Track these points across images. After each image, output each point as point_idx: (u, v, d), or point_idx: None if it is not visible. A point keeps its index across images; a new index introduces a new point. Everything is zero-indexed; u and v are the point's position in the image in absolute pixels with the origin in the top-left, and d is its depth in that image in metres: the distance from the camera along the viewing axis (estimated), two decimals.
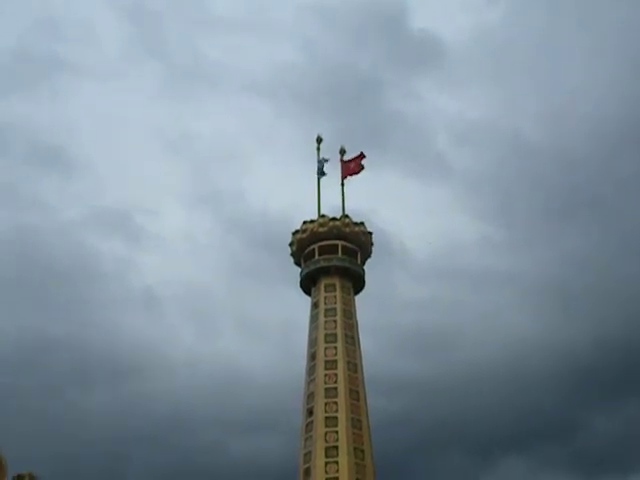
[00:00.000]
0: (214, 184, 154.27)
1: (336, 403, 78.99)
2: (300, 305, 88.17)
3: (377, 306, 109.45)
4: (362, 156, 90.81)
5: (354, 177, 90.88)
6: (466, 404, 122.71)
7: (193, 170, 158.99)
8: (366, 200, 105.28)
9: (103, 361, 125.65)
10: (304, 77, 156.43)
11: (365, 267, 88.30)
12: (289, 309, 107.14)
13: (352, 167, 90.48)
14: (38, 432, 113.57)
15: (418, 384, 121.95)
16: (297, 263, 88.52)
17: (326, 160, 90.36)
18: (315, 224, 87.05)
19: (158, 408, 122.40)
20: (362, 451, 77.94)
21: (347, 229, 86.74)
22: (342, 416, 78.25)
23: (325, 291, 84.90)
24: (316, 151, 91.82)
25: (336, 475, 75.74)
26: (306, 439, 78.85)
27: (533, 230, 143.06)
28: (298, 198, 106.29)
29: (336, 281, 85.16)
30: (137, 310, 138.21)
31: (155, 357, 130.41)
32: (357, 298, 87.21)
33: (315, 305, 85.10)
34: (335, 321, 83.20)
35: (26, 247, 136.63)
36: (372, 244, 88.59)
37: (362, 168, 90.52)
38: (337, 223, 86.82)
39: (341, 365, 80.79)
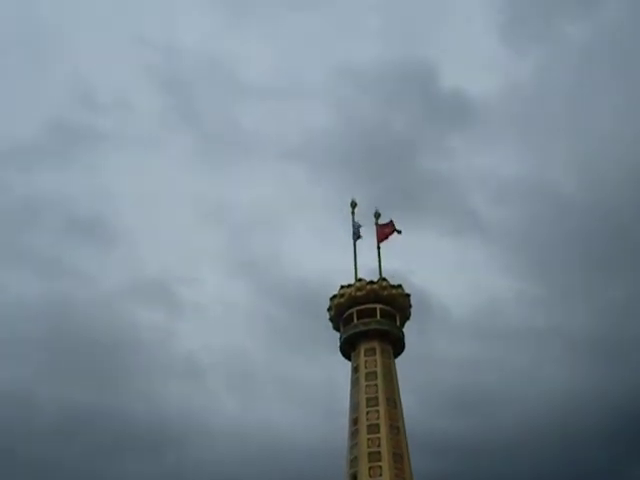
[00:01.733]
0: (251, 250, 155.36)
1: (380, 467, 78.75)
2: (341, 369, 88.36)
3: (418, 367, 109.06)
4: (392, 226, 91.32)
5: (390, 238, 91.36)
6: (511, 460, 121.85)
7: (230, 237, 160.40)
8: (403, 261, 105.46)
9: (145, 429, 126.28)
10: (337, 140, 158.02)
11: (404, 329, 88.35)
12: (330, 374, 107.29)
13: (387, 231, 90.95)
14: None
15: (462, 444, 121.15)
16: (336, 328, 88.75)
17: (360, 226, 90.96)
18: (352, 288, 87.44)
19: (201, 475, 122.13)
20: None
21: (385, 292, 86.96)
22: None
23: (365, 355, 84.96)
24: (351, 215, 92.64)
25: None
26: None
27: (571, 283, 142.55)
28: (335, 262, 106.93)
29: (375, 345, 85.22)
30: (178, 378, 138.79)
31: (198, 424, 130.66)
32: (398, 359, 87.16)
33: (355, 369, 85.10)
34: (376, 385, 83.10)
35: (67, 318, 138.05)
36: (410, 306, 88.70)
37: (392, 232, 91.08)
38: (374, 287, 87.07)
39: (384, 429, 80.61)
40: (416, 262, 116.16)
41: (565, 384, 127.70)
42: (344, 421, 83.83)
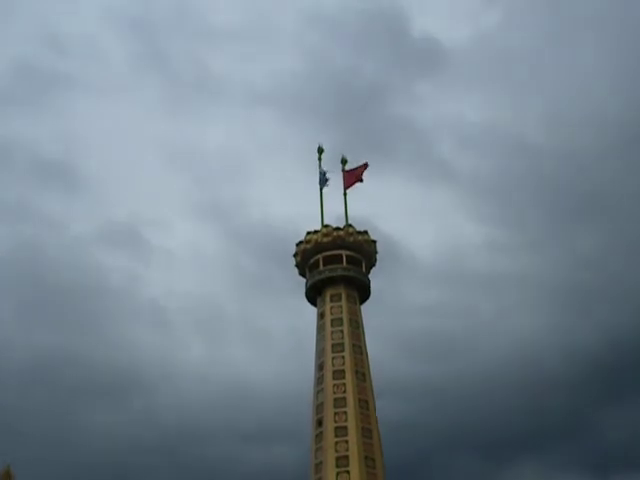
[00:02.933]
0: (219, 196, 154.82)
1: (345, 413, 78.97)
2: (308, 315, 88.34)
3: (385, 313, 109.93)
4: (365, 167, 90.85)
5: (357, 184, 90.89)
6: (478, 407, 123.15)
7: (198, 182, 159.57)
8: (371, 206, 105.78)
9: (112, 376, 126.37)
10: (306, 86, 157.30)
11: (371, 275, 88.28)
12: (297, 319, 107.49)
13: (355, 176, 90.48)
14: (48, 447, 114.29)
15: (429, 389, 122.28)
16: (302, 274, 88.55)
17: (327, 176, 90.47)
18: (318, 234, 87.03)
19: (168, 420, 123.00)
20: (373, 460, 77.88)
21: (351, 238, 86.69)
22: (352, 425, 78.28)
23: (331, 301, 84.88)
24: (318, 161, 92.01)
25: None
26: (316, 450, 78.83)
27: (539, 232, 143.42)
28: (302, 208, 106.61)
29: (341, 291, 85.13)
30: (145, 323, 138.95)
31: (164, 370, 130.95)
32: (364, 306, 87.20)
33: (321, 315, 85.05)
34: (342, 331, 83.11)
35: (33, 263, 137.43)
36: (376, 252, 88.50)
37: (361, 180, 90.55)
38: (340, 233, 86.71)
39: (349, 375, 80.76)
40: (384, 209, 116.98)
41: (532, 332, 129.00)
42: (311, 367, 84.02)
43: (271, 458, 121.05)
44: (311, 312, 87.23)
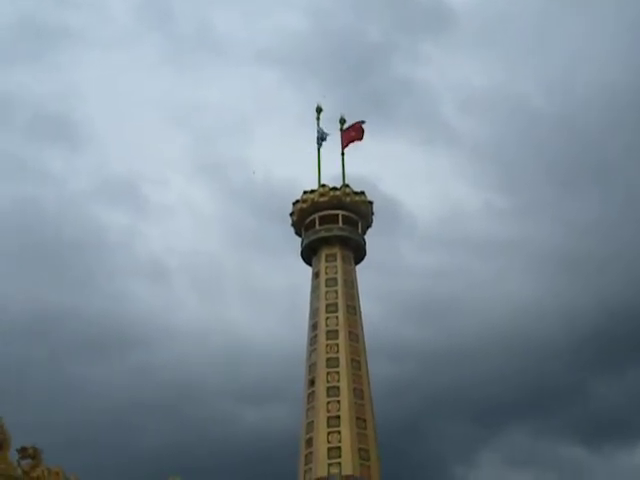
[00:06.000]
0: (218, 154, 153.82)
1: (338, 373, 79.25)
2: (304, 274, 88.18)
3: (380, 274, 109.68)
4: (360, 123, 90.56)
5: (358, 144, 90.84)
6: (470, 371, 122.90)
7: (197, 139, 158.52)
8: (369, 167, 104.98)
9: (110, 331, 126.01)
10: (309, 44, 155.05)
11: (367, 236, 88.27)
12: (293, 278, 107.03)
13: (352, 135, 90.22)
14: (46, 402, 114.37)
15: (422, 352, 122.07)
16: (298, 233, 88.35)
17: (326, 134, 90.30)
18: (315, 194, 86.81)
19: (166, 378, 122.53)
20: (364, 420, 78.15)
21: (347, 199, 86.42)
22: (344, 386, 78.54)
23: (326, 261, 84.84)
24: (316, 121, 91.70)
25: (338, 445, 76.07)
26: (308, 409, 79.07)
27: (537, 197, 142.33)
28: (301, 167, 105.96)
29: (337, 251, 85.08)
30: (143, 280, 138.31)
31: (162, 327, 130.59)
32: (359, 267, 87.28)
33: (316, 275, 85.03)
34: (336, 291, 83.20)
35: (32, 219, 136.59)
36: (373, 213, 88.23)
37: (362, 136, 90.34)
38: (337, 193, 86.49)
39: (342, 335, 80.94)
40: (383, 170, 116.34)
41: (527, 296, 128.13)
42: (306, 327, 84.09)
43: (263, 417, 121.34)
44: (307, 271, 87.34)
